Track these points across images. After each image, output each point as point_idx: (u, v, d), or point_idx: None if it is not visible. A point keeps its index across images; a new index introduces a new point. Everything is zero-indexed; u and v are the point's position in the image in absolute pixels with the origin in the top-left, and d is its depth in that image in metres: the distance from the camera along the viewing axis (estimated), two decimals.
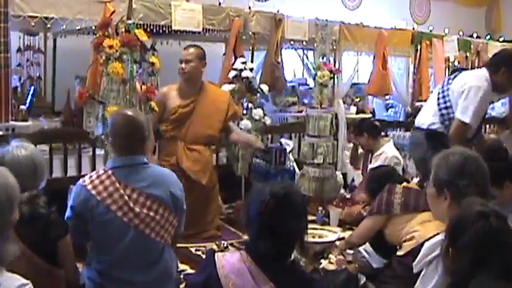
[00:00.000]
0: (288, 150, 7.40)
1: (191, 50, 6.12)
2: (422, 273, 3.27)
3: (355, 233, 4.99)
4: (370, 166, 7.07)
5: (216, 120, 6.20)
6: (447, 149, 3.39)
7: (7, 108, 6.09)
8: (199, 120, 6.10)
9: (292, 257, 3.38)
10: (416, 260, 3.29)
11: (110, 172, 3.83)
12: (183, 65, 6.03)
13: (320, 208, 6.83)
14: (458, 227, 2.45)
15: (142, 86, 5.55)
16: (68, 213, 3.84)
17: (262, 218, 2.63)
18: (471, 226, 2.37)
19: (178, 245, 4.46)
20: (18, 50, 8.59)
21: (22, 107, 7.04)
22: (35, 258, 3.32)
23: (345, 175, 8.12)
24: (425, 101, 10.45)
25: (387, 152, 7.04)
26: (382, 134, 7.49)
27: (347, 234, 6.29)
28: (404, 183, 4.99)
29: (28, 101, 7.46)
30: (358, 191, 7.32)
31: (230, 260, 2.61)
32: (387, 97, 10.42)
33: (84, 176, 3.96)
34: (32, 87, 7.97)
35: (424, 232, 3.99)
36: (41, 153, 3.84)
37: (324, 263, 4.96)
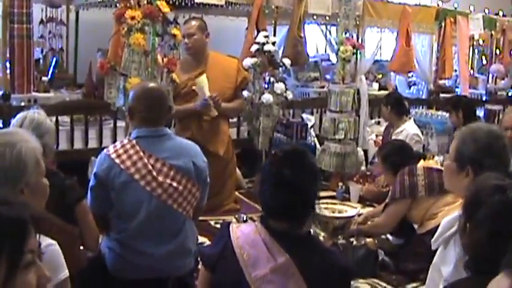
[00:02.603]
0: (309, 126, 7.38)
1: (192, 23, 6.09)
2: (439, 250, 3.22)
3: (381, 223, 4.90)
4: None
5: (227, 88, 6.16)
6: (471, 124, 3.31)
7: (29, 79, 6.11)
8: (210, 90, 6.02)
9: (312, 232, 3.36)
10: (434, 237, 3.24)
11: (134, 142, 3.84)
12: (187, 40, 5.99)
13: (340, 184, 6.82)
14: (475, 202, 2.39)
15: (164, 59, 5.53)
16: (91, 181, 3.86)
17: (271, 171, 2.61)
18: (487, 200, 2.33)
19: (199, 218, 4.47)
20: (41, 22, 8.58)
21: (44, 78, 7.06)
22: (48, 216, 3.34)
23: (366, 152, 8.07)
24: (448, 78, 10.47)
25: (408, 130, 7.00)
26: (408, 113, 7.41)
27: (367, 210, 6.30)
28: (423, 162, 4.93)
29: (50, 72, 7.45)
30: (378, 167, 7.28)
31: (245, 231, 2.58)
32: (410, 74, 10.34)
33: (105, 147, 3.98)
34: (54, 59, 7.97)
35: (447, 212, 3.94)
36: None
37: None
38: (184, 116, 5.95)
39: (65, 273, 2.22)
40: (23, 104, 6.09)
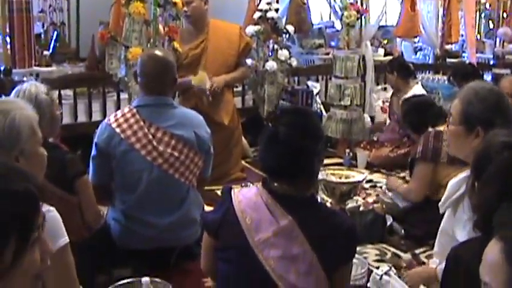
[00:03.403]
0: (314, 93, 7.30)
1: None
2: (447, 214, 3.17)
3: (413, 188, 4.69)
4: (399, 111, 6.96)
5: (229, 55, 6.03)
6: (470, 84, 3.21)
7: (30, 53, 6.07)
8: (213, 58, 5.94)
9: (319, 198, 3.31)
10: (442, 199, 3.18)
11: (134, 110, 3.81)
12: (185, 8, 5.83)
13: (347, 150, 6.77)
14: (483, 160, 2.34)
15: (165, 28, 5.46)
16: (93, 151, 3.83)
17: (267, 129, 2.55)
18: (496, 157, 2.27)
19: (206, 188, 4.43)
20: None
21: (46, 52, 7.00)
22: (48, 185, 3.31)
23: (372, 118, 8.00)
24: (455, 43, 10.36)
25: (416, 93, 6.90)
26: (414, 76, 7.31)
27: (374, 176, 6.27)
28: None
29: (51, 46, 7.40)
30: (385, 133, 7.23)
31: (247, 195, 2.53)
32: (416, 40, 10.23)
33: None
34: (55, 32, 7.91)
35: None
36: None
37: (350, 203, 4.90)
38: (182, 88, 5.84)
39: (65, 239, 2.19)
40: (24, 78, 6.02)
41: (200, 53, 5.92)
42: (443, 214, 3.23)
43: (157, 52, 4.07)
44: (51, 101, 3.56)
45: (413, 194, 4.59)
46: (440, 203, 3.21)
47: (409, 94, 6.89)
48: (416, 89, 6.99)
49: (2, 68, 5.79)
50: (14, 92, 3.55)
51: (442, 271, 2.38)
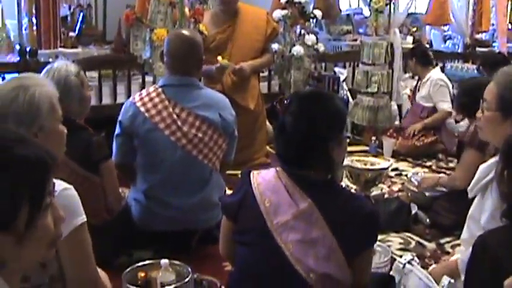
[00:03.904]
0: (341, 79, 7.24)
1: None
2: (476, 199, 3.10)
3: (458, 176, 4.46)
4: (418, 95, 6.98)
5: (256, 40, 5.94)
6: (505, 68, 3.13)
7: (56, 34, 6.09)
8: (240, 43, 5.86)
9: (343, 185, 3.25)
10: (471, 184, 3.11)
11: (159, 90, 3.79)
12: None
13: (373, 138, 6.71)
14: None
15: (191, 10, 5.42)
16: (116, 129, 3.83)
17: (279, 117, 2.50)
18: None
19: (229, 172, 4.39)
20: None
21: (71, 34, 7.01)
22: (72, 164, 3.34)
23: (400, 106, 7.90)
24: (485, 32, 10.20)
25: (432, 76, 6.84)
26: (433, 64, 7.19)
27: (400, 165, 6.20)
28: None
29: (77, 28, 7.40)
30: (407, 117, 7.13)
31: (266, 177, 2.48)
32: (445, 28, 10.10)
33: None
34: (81, 14, 7.91)
35: None
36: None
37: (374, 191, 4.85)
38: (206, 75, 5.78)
39: (82, 217, 2.16)
40: (50, 59, 6.04)
41: (227, 38, 5.86)
42: (470, 204, 3.16)
43: (185, 32, 4.04)
44: (80, 83, 3.54)
45: (459, 181, 4.36)
46: (469, 188, 3.14)
47: (426, 78, 6.84)
48: (433, 72, 6.91)
49: (28, 49, 5.79)
50: (44, 70, 3.54)
51: (468, 258, 2.31)
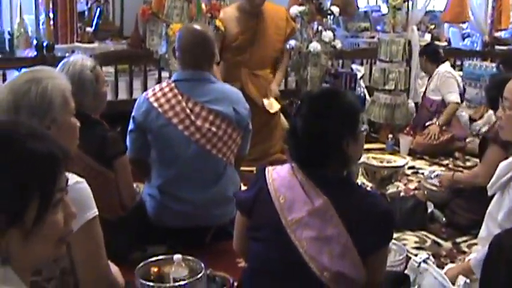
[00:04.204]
0: (358, 76, 7.20)
1: None
2: (496, 196, 3.07)
3: (480, 172, 4.39)
4: (427, 90, 7.01)
5: (276, 40, 5.96)
6: None
7: (72, 29, 6.09)
8: (262, 43, 5.86)
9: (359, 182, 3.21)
10: (491, 182, 3.07)
11: (173, 85, 3.79)
12: None
13: (390, 136, 6.67)
14: None
15: (207, 5, 5.40)
16: (130, 124, 3.83)
17: (292, 121, 2.48)
18: None
19: (243, 168, 4.38)
20: None
21: (88, 29, 7.01)
22: (86, 159, 3.34)
23: (417, 104, 7.85)
24: (505, 30, 10.12)
25: (440, 69, 6.82)
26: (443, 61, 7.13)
27: (417, 163, 6.16)
28: None
29: (94, 23, 7.39)
30: (420, 115, 7.06)
31: (281, 173, 2.46)
32: (464, 26, 10.02)
33: None
34: (98, 9, 7.90)
35: None
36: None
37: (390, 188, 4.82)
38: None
39: (94, 211, 2.15)
40: (67, 54, 6.04)
41: (250, 39, 5.83)
42: (488, 203, 3.13)
43: (196, 26, 4.05)
44: (95, 78, 3.52)
45: (481, 178, 4.27)
46: (488, 185, 3.12)
47: (435, 72, 6.84)
48: (441, 67, 6.90)
49: (45, 44, 5.79)
50: (60, 64, 3.54)
51: (484, 257, 2.28)
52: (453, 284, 3.05)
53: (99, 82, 3.58)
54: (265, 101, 5.87)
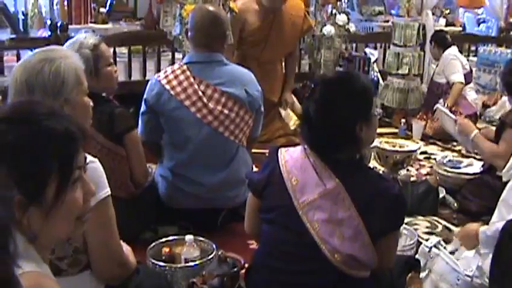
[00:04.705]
0: (372, 60, 7.16)
1: None
2: (510, 182, 3.05)
3: (501, 152, 4.26)
4: (435, 74, 6.99)
5: (291, 37, 5.88)
6: None
7: (86, 10, 6.09)
8: (276, 39, 5.75)
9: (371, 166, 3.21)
10: (506, 167, 3.06)
11: (185, 67, 3.78)
12: None
13: (403, 120, 6.65)
14: None
15: None
16: (142, 107, 3.83)
17: (305, 105, 2.48)
18: None
19: (254, 150, 4.38)
20: None
21: (102, 10, 7.01)
22: (97, 136, 3.34)
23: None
24: None
25: (444, 54, 6.84)
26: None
27: (429, 148, 6.14)
28: None
29: (108, 4, 7.39)
30: (427, 99, 7.02)
31: (293, 155, 2.46)
32: (479, 11, 9.95)
33: None
34: None
35: None
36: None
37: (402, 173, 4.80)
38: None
39: (106, 191, 2.16)
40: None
41: (266, 33, 5.74)
42: (500, 190, 3.12)
43: (208, 6, 4.05)
44: (94, 56, 3.44)
45: (500, 159, 4.24)
46: (504, 171, 3.10)
47: (442, 55, 6.87)
48: (447, 51, 6.88)
49: (59, 24, 5.80)
50: (66, 43, 3.54)
51: (495, 243, 2.28)
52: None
53: (101, 61, 3.52)
54: (283, 112, 5.84)
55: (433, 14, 8.48)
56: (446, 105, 6.45)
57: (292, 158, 2.45)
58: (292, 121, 5.82)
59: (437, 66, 7.04)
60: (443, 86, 6.78)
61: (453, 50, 6.91)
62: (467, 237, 3.12)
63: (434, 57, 7.19)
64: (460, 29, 9.82)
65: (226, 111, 3.72)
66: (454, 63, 6.71)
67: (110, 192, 2.18)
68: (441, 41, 6.94)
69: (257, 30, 5.67)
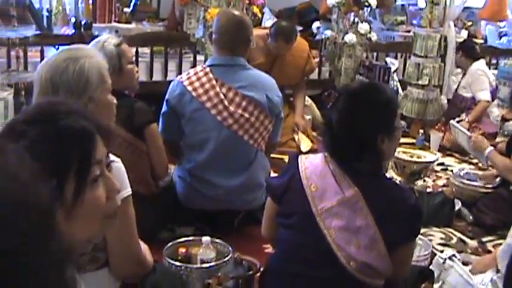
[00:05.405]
0: (392, 70, 7.17)
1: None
2: None
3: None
4: (460, 86, 7.00)
5: (293, 76, 5.85)
6: None
7: (111, 9, 6.14)
8: (277, 76, 5.49)
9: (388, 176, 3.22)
10: None
11: (207, 69, 3.81)
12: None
13: (421, 131, 6.64)
14: None
15: None
16: (163, 107, 3.86)
17: (328, 114, 2.50)
18: None
19: (273, 155, 4.41)
20: None
21: (126, 9, 7.06)
22: (119, 130, 3.34)
23: (450, 101, 7.81)
24: None
25: (472, 67, 6.80)
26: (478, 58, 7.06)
27: (446, 160, 6.13)
28: None
29: (132, 4, 7.44)
30: (450, 111, 7.01)
31: (313, 162, 2.49)
32: (501, 24, 9.91)
33: None
34: None
35: None
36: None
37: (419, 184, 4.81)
38: None
39: (127, 190, 2.18)
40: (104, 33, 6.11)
41: (267, 70, 5.65)
42: None
43: (233, 11, 4.12)
44: (118, 53, 3.52)
45: (509, 173, 4.33)
46: None
47: (470, 68, 6.85)
48: (475, 64, 6.88)
49: (83, 22, 5.86)
50: (91, 43, 3.58)
51: (508, 260, 2.28)
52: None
53: (123, 58, 3.58)
54: (296, 136, 5.83)
55: (455, 25, 8.46)
56: (467, 120, 6.46)
57: (312, 164, 2.47)
58: (305, 144, 5.81)
59: (462, 77, 7.01)
60: (467, 100, 6.77)
61: (482, 65, 6.89)
62: (484, 266, 3.13)
63: (459, 66, 7.17)
64: (482, 41, 9.78)
65: (246, 115, 3.75)
66: (483, 80, 6.69)
67: (130, 192, 2.20)
68: (469, 52, 6.91)
69: (259, 65, 5.64)
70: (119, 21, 6.64)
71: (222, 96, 3.73)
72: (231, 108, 3.72)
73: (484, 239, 4.30)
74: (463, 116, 6.61)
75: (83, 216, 1.42)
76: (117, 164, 2.16)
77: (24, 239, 0.77)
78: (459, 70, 8.04)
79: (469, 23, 10.06)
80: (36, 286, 0.75)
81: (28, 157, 0.97)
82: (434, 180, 5.43)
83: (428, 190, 4.86)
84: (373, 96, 2.46)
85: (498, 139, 6.60)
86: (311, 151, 5.45)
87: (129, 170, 2.22)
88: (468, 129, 6.30)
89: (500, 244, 3.68)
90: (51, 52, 4.82)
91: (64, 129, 1.43)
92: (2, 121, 4.71)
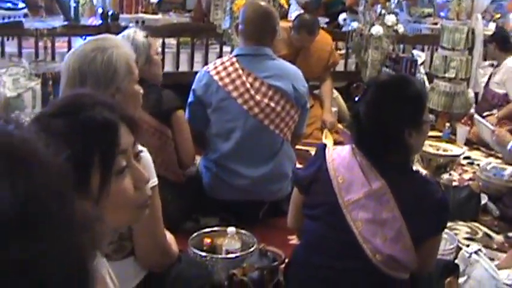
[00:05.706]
0: (419, 62, 7.11)
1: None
2: None
3: None
4: (491, 80, 6.85)
5: (316, 68, 5.80)
6: None
7: (137, 0, 6.15)
8: (299, 68, 5.65)
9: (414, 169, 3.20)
10: None
11: (234, 59, 3.83)
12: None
13: (448, 124, 6.59)
14: None
15: None
16: (190, 97, 3.88)
17: (355, 106, 2.50)
18: None
19: (298, 147, 4.40)
20: None
21: (152, 0, 7.07)
22: (145, 115, 3.35)
23: (477, 94, 7.74)
24: None
25: (508, 63, 6.65)
26: None
27: (473, 154, 6.09)
28: None
29: None
30: (481, 106, 6.95)
31: (341, 154, 2.49)
32: None
33: None
34: None
35: None
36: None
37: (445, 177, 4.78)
38: None
39: (154, 180, 2.18)
40: (131, 24, 6.13)
41: (291, 61, 5.68)
42: None
43: (259, 1, 4.14)
44: (148, 44, 3.58)
45: None
46: None
47: (502, 65, 6.68)
48: (509, 60, 6.71)
49: (110, 13, 5.89)
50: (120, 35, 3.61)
51: None
52: None
53: (151, 49, 3.63)
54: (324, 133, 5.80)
55: (483, 18, 8.38)
56: (496, 115, 6.38)
57: (339, 156, 2.47)
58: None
59: (494, 69, 6.91)
60: (500, 96, 6.66)
61: None
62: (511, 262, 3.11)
63: (492, 58, 7.09)
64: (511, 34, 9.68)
65: (272, 105, 3.76)
66: None
67: (157, 182, 2.20)
68: (503, 43, 6.80)
69: (283, 57, 5.63)
70: (145, 12, 6.66)
71: (248, 85, 3.74)
72: (257, 98, 3.74)
73: (510, 234, 4.26)
74: (494, 111, 6.52)
75: (111, 208, 1.40)
76: (144, 153, 2.17)
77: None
78: (487, 63, 7.97)
79: (498, 16, 9.96)
80: (59, 275, 0.75)
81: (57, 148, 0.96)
82: (460, 174, 5.39)
83: (454, 184, 4.83)
84: (403, 89, 2.45)
85: None
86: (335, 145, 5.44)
87: (156, 156, 2.24)
88: (496, 124, 6.27)
89: None
90: (78, 42, 4.85)
91: (86, 121, 1.42)
92: (30, 111, 4.76)
